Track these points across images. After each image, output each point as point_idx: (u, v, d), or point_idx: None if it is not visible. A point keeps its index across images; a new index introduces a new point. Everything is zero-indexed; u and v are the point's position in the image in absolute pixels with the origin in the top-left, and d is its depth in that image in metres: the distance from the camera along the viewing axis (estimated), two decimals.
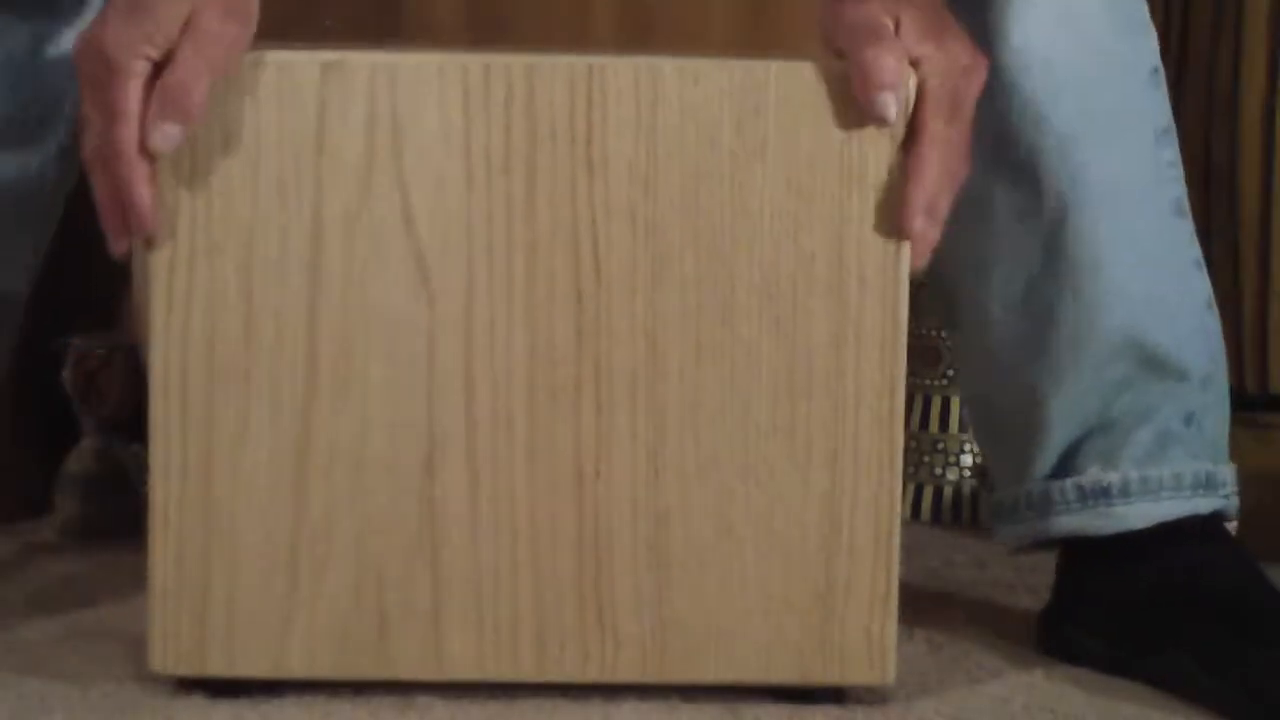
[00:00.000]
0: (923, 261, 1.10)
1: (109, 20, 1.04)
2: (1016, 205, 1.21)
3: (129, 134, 1.04)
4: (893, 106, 1.06)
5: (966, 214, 1.20)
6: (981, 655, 1.25)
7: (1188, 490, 1.22)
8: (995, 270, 1.22)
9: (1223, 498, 1.24)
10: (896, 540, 1.11)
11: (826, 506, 1.10)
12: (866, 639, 1.11)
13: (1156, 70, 1.23)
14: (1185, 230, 1.24)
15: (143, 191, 1.05)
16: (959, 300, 1.26)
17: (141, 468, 1.52)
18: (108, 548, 1.48)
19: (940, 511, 1.64)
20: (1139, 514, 1.22)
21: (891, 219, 1.09)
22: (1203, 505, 1.23)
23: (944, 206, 1.09)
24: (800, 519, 1.10)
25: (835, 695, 1.14)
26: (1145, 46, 1.23)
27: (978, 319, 1.25)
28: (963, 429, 1.64)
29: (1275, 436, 1.51)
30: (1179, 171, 1.24)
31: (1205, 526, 1.23)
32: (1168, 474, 1.22)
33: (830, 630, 1.11)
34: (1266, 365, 1.54)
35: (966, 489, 1.64)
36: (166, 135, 1.04)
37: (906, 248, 1.09)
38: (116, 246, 1.07)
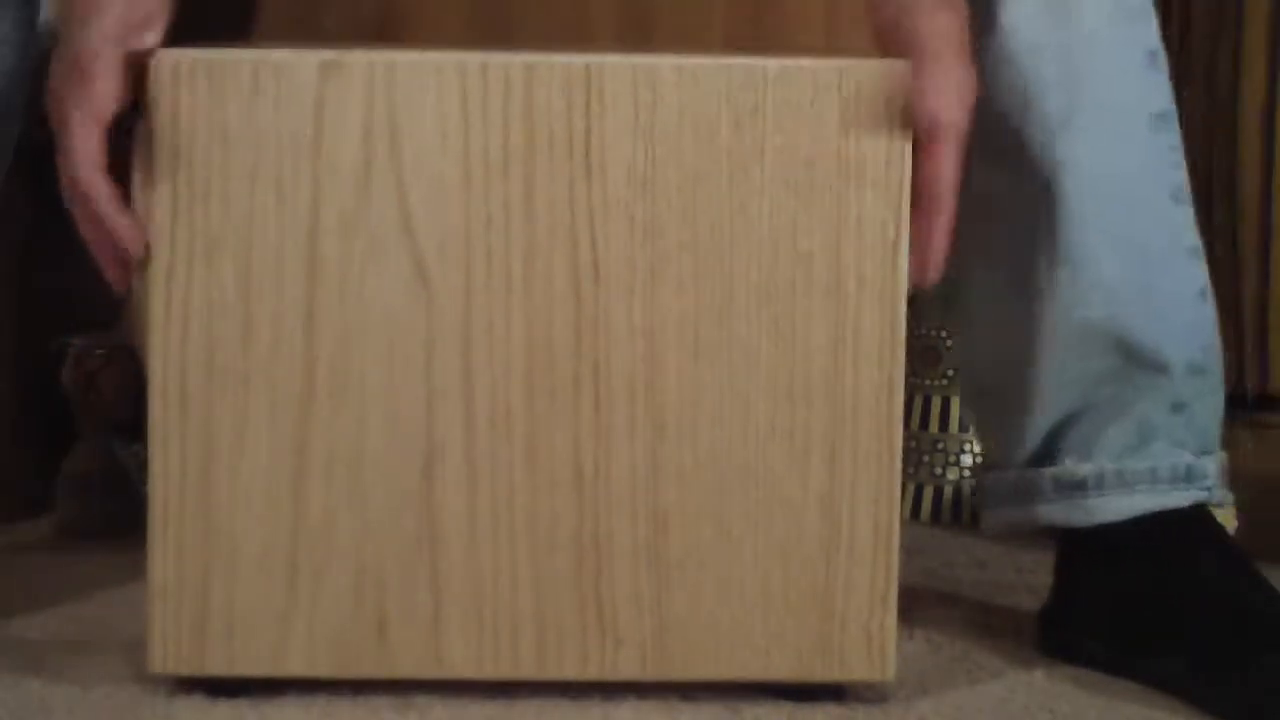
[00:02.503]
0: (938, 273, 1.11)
1: (55, 72, 1.09)
2: (1003, 193, 1.20)
3: (89, 174, 1.07)
4: (949, 149, 1.07)
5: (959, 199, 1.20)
6: (981, 655, 1.24)
7: (1164, 484, 1.21)
8: (984, 257, 1.22)
9: (1203, 490, 1.22)
10: (896, 539, 1.11)
11: (825, 506, 1.10)
12: (866, 637, 1.11)
13: (1154, 53, 1.21)
14: (1181, 217, 1.23)
15: (121, 220, 1.07)
16: (954, 285, 1.25)
17: (141, 468, 1.52)
18: (107, 548, 1.48)
19: (940, 511, 1.64)
20: (1112, 507, 1.21)
21: (889, 219, 1.09)
22: (1179, 499, 1.22)
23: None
24: (799, 518, 1.10)
25: (835, 694, 1.14)
26: (1142, 31, 1.21)
27: (969, 305, 1.25)
28: (963, 429, 1.64)
29: (1275, 436, 1.51)
30: (1179, 156, 1.23)
31: (1201, 526, 1.22)
32: (1143, 467, 1.21)
33: (830, 629, 1.11)
34: (1267, 365, 1.54)
35: (966, 489, 1.64)
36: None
37: (905, 248, 1.09)
38: (117, 282, 1.10)
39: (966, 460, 1.64)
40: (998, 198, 1.20)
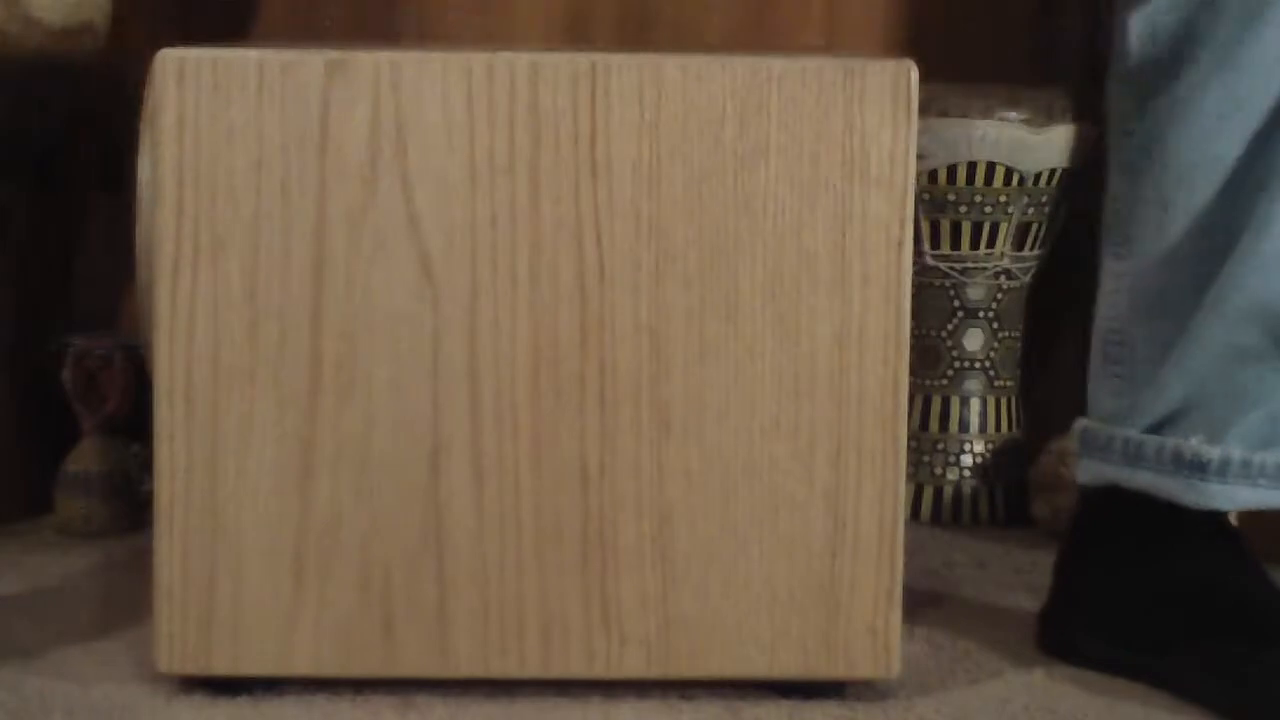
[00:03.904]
0: None
1: None
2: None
3: None
4: None
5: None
6: (981, 655, 1.25)
7: None
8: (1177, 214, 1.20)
9: None
10: (901, 535, 1.11)
11: (830, 503, 1.10)
12: (871, 634, 1.11)
13: None
14: None
15: None
16: (1126, 214, 1.23)
17: (141, 467, 1.52)
18: (107, 547, 1.48)
19: (940, 511, 1.64)
20: (1230, 495, 1.19)
21: (894, 217, 1.09)
22: None
23: None
24: (804, 516, 1.11)
25: (836, 691, 1.14)
26: None
27: (1131, 242, 1.22)
28: (963, 429, 1.65)
29: None
30: None
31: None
32: (1271, 461, 1.19)
33: (835, 626, 1.11)
34: None
35: (966, 489, 1.64)
36: None
37: (908, 244, 1.10)
38: None
39: (966, 460, 1.64)
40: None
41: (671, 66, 1.09)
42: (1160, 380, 1.20)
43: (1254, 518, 1.29)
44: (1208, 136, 1.16)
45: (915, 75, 1.08)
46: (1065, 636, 1.24)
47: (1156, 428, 1.21)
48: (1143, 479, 1.21)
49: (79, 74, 1.47)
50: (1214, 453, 1.19)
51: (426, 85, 1.08)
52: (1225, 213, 1.18)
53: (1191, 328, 1.19)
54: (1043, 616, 1.27)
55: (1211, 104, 1.15)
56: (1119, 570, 1.22)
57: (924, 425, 1.64)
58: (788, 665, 1.12)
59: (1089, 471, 1.25)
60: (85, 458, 1.54)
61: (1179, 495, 1.20)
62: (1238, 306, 1.18)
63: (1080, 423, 1.26)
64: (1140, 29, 1.18)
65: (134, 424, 1.52)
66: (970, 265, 1.63)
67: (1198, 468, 1.19)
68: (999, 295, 1.64)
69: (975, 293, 1.64)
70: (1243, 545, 1.23)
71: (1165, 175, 1.19)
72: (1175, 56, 1.17)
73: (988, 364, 1.65)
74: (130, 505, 1.52)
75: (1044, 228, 1.62)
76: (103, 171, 1.55)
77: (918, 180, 1.11)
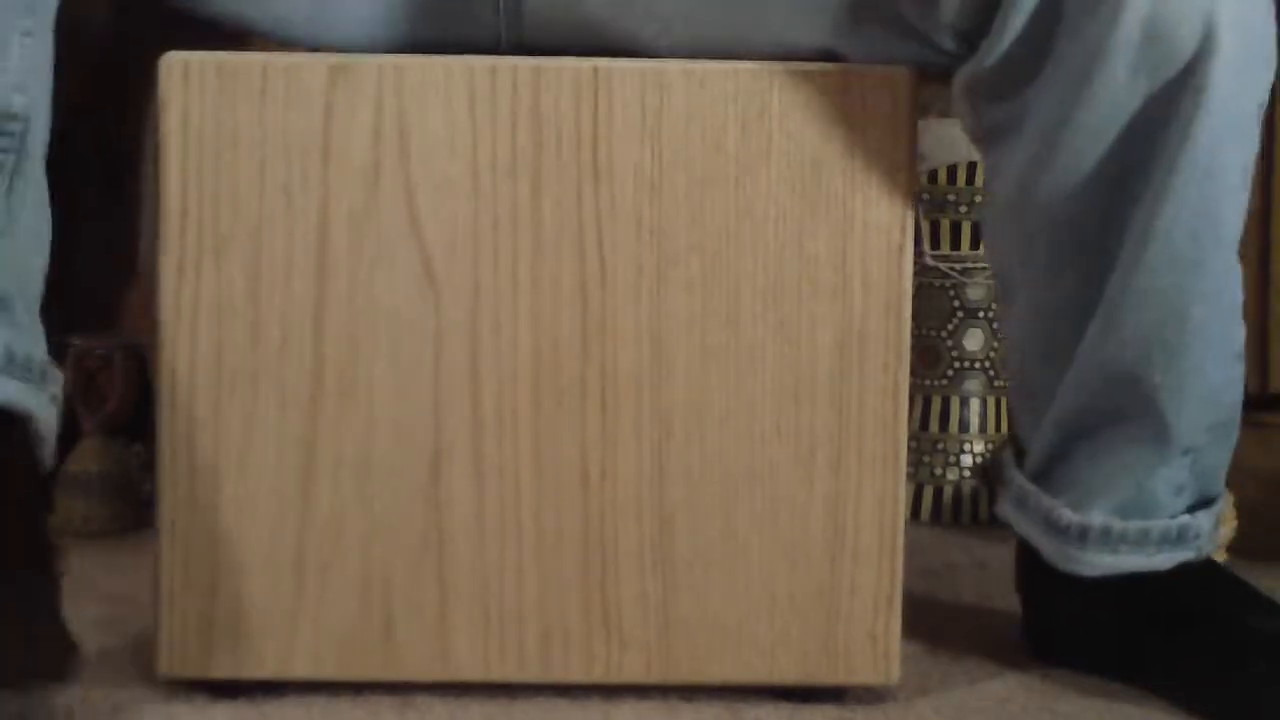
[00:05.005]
0: None
1: None
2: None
3: None
4: None
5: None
6: (981, 655, 1.25)
7: (1153, 545, 1.19)
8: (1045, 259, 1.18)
9: (1192, 549, 1.20)
10: (900, 541, 1.11)
11: (830, 508, 1.11)
12: (871, 639, 1.11)
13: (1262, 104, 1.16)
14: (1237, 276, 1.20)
15: None
16: (1008, 284, 1.22)
17: (142, 467, 1.52)
18: (107, 547, 1.49)
19: (940, 511, 1.64)
20: (1092, 563, 1.19)
21: (895, 222, 1.09)
22: (1164, 561, 1.20)
23: None
24: (804, 520, 1.11)
25: (835, 694, 1.14)
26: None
27: (1023, 309, 1.21)
28: (963, 429, 1.65)
29: (1275, 436, 1.51)
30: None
31: None
32: (1134, 528, 1.19)
33: (835, 631, 1.11)
34: (1267, 365, 1.54)
35: (966, 489, 1.64)
36: None
37: (909, 250, 1.10)
38: None
39: (966, 460, 1.65)
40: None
41: (674, 72, 1.09)
42: (1044, 427, 1.20)
43: (1253, 518, 1.29)
44: (1055, 198, 1.14)
45: (915, 82, 1.08)
46: (1052, 651, 1.24)
47: (1040, 474, 1.21)
48: (1025, 528, 1.22)
49: (78, 73, 1.47)
50: (1075, 519, 1.19)
51: (429, 89, 1.08)
52: (1080, 276, 1.16)
53: (1064, 383, 1.18)
54: (1025, 632, 1.27)
55: (1056, 165, 1.13)
56: (1074, 590, 1.21)
57: (924, 425, 1.65)
58: (787, 671, 1.12)
59: (999, 506, 1.26)
60: (85, 458, 1.54)
61: (1047, 552, 1.21)
62: (1095, 371, 1.17)
63: (1001, 453, 1.27)
64: (973, 101, 1.14)
65: (134, 424, 1.52)
66: (970, 265, 1.63)
67: (1060, 531, 1.20)
68: None
69: (975, 293, 1.64)
70: (1209, 560, 1.22)
71: (1022, 234, 1.17)
72: (1015, 119, 1.14)
73: (988, 364, 1.65)
74: (130, 505, 1.53)
75: None
76: (102, 171, 1.55)
77: (917, 180, 1.11)
